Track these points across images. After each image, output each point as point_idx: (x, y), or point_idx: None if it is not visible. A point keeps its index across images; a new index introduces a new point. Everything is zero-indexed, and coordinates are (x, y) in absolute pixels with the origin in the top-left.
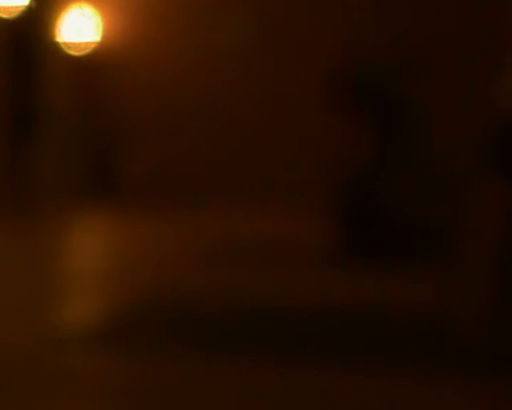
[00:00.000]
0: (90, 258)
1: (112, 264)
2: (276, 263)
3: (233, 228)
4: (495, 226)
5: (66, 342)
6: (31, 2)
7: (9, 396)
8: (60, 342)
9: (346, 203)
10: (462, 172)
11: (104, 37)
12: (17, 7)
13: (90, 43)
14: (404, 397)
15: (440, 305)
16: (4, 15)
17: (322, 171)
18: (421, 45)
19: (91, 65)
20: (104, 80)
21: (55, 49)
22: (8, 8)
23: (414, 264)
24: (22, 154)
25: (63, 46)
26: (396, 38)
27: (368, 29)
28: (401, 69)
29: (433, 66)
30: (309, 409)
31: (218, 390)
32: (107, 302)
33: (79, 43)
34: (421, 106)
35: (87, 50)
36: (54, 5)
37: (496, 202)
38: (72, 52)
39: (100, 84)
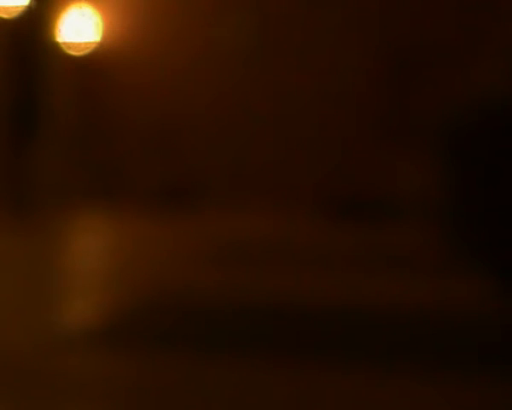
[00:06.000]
0: (91, 257)
1: (113, 263)
2: (278, 262)
3: (235, 228)
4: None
5: (66, 342)
6: (31, 2)
7: (8, 396)
8: (60, 342)
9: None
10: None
11: (104, 37)
12: (17, 7)
13: (90, 43)
14: (409, 398)
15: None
16: (4, 15)
17: (322, 172)
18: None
19: (91, 65)
20: (104, 80)
21: (55, 49)
22: (8, 8)
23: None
24: (23, 153)
25: (63, 46)
26: (396, 37)
27: (370, 28)
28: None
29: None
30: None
31: (219, 391)
32: (108, 302)
33: (79, 43)
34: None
35: (87, 50)
36: (54, 5)
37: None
38: (72, 52)
39: (100, 84)
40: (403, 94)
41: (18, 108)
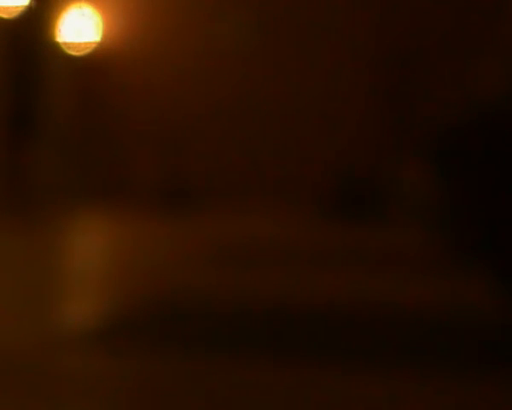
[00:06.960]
0: (92, 258)
1: (113, 264)
2: (277, 263)
3: (234, 229)
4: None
5: (66, 342)
6: (31, 2)
7: (8, 396)
8: (60, 342)
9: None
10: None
11: (104, 37)
12: (17, 7)
13: (90, 43)
14: (409, 398)
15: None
16: (4, 15)
17: (321, 173)
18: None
19: (91, 65)
20: (104, 80)
21: (55, 49)
22: (8, 8)
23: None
24: (23, 153)
25: (63, 46)
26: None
27: (370, 28)
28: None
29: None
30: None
31: (218, 391)
32: (108, 302)
33: (79, 43)
34: None
35: (87, 50)
36: (54, 5)
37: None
38: (72, 52)
39: (100, 84)
40: (402, 95)
41: (18, 107)
